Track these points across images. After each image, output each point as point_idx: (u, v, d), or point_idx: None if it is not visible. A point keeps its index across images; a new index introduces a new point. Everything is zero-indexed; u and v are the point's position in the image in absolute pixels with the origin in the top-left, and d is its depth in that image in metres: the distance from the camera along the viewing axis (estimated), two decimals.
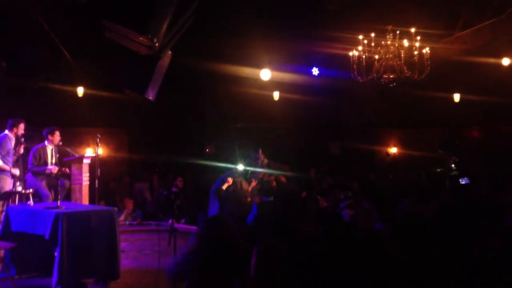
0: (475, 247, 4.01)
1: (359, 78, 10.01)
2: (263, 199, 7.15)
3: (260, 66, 12.35)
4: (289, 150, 14.43)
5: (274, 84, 13.39)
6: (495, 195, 7.29)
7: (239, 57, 12.02)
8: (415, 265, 3.69)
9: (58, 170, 8.22)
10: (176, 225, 7.48)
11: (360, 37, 9.76)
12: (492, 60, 11.80)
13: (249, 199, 7.95)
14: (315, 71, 13.19)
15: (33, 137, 9.10)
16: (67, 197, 8.12)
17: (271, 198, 7.01)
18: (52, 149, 8.39)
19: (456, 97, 14.44)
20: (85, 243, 5.84)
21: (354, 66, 9.88)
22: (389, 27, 9.67)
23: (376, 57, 9.80)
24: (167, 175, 13.29)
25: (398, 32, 9.57)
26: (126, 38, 6.36)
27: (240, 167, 8.90)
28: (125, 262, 6.84)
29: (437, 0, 10.21)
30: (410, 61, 9.68)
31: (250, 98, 13.86)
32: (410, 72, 9.76)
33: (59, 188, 7.11)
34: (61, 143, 8.46)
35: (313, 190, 9.44)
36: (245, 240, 4.57)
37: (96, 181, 8.26)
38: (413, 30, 9.47)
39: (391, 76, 9.91)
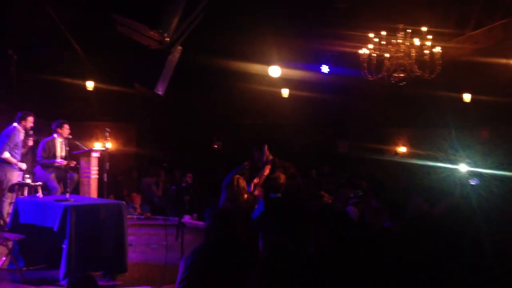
0: (485, 247, 3.98)
1: (369, 76, 9.96)
2: (270, 195, 7.10)
3: (269, 63, 12.33)
4: (296, 148, 14.39)
5: (283, 81, 13.37)
6: (506, 195, 7.22)
7: (249, 53, 12.02)
8: (424, 264, 3.67)
9: (67, 164, 8.26)
10: (186, 219, 7.45)
11: (371, 35, 9.70)
12: (503, 61, 11.70)
13: (245, 196, 7.89)
14: (325, 68, 13.13)
15: (42, 130, 9.15)
16: (76, 190, 8.14)
17: (279, 195, 6.96)
18: (61, 142, 8.41)
19: (467, 97, 14.34)
20: (93, 236, 5.85)
21: (365, 64, 9.83)
22: (400, 26, 9.61)
23: (387, 55, 9.75)
24: (174, 170, 13.32)
25: (409, 31, 9.51)
26: (136, 32, 6.35)
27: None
28: (133, 255, 6.84)
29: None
30: (421, 60, 9.62)
31: (259, 95, 13.85)
32: (421, 71, 9.70)
33: (68, 181, 7.15)
34: (70, 137, 8.49)
35: (318, 187, 9.37)
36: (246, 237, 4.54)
37: (105, 175, 8.29)
38: (424, 29, 9.40)
39: (401, 75, 9.85)
